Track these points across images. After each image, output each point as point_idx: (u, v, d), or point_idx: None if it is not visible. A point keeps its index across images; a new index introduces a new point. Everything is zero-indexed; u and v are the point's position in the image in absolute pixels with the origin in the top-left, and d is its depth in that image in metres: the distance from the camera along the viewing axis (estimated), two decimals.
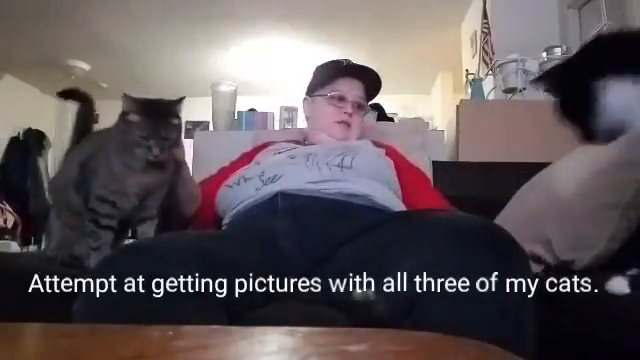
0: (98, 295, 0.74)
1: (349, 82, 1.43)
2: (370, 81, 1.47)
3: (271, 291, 0.89)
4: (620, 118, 0.78)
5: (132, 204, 1.11)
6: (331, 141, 1.38)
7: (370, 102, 2.51)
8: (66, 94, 1.24)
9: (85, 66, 5.17)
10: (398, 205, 1.16)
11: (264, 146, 1.46)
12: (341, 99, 1.42)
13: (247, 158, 1.42)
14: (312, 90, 1.50)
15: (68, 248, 1.14)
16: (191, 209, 1.26)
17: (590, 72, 0.78)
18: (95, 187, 1.09)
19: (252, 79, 5.42)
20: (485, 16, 3.23)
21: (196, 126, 4.46)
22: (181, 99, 1.12)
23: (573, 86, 0.80)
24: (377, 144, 1.40)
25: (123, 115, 1.07)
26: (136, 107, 1.06)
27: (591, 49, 0.77)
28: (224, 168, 1.45)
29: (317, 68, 1.53)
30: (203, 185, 1.34)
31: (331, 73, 1.46)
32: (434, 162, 1.73)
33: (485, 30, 3.20)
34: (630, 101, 0.75)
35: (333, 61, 1.51)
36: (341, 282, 0.85)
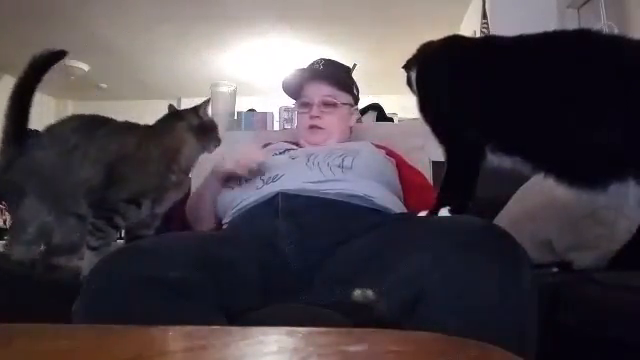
0: (98, 295, 0.74)
1: (312, 86, 1.43)
2: (334, 76, 1.46)
3: (271, 292, 0.89)
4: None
5: (151, 213, 1.14)
6: (313, 147, 1.37)
7: (370, 103, 2.53)
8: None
9: (85, 66, 5.16)
10: (398, 206, 1.16)
11: (263, 147, 1.46)
12: (307, 105, 1.42)
13: None
14: (294, 100, 1.52)
15: (47, 239, 1.13)
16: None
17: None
18: (127, 191, 1.09)
19: (252, 79, 5.42)
20: (484, 16, 3.23)
21: None
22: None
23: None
24: (377, 146, 1.40)
25: (201, 121, 1.19)
26: (204, 107, 1.20)
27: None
28: None
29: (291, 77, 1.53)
30: None
31: (296, 84, 1.47)
32: (434, 162, 1.73)
33: (484, 30, 3.20)
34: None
35: (304, 67, 1.50)
36: (341, 283, 0.85)
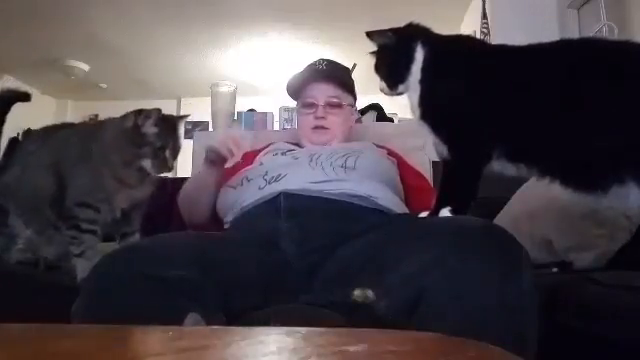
0: (98, 295, 0.74)
1: (317, 86, 1.42)
2: (339, 77, 1.46)
3: (271, 292, 0.89)
4: None
5: (114, 216, 1.10)
6: (316, 147, 1.36)
7: (370, 103, 2.53)
8: None
9: (85, 67, 5.16)
10: (400, 207, 1.16)
11: (266, 147, 1.46)
12: (311, 105, 1.41)
13: (250, 157, 1.41)
14: (295, 100, 1.51)
15: (35, 252, 1.12)
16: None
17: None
18: (76, 194, 1.07)
19: (252, 79, 5.41)
20: (484, 16, 3.23)
21: (195, 126, 4.45)
22: (185, 116, 1.17)
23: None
24: (378, 146, 1.40)
25: (135, 127, 1.07)
26: (153, 119, 1.07)
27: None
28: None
29: (293, 77, 1.51)
30: None
31: (299, 83, 1.45)
32: (434, 162, 1.73)
33: (484, 30, 3.20)
34: None
35: (306, 67, 1.49)
36: (341, 283, 0.85)
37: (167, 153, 1.08)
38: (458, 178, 0.91)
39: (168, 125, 1.10)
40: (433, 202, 0.94)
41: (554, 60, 0.86)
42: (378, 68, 1.03)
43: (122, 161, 1.07)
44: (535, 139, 0.85)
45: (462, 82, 0.91)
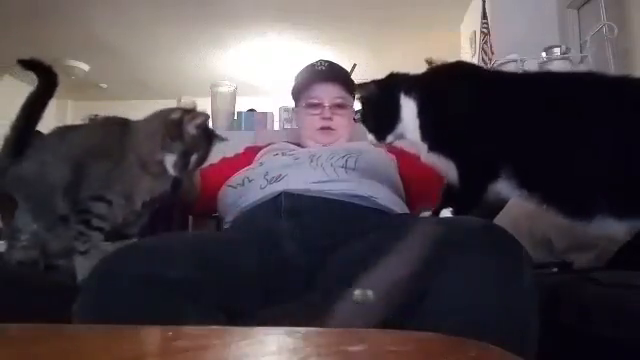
0: (98, 295, 0.74)
1: (323, 86, 1.42)
2: (342, 78, 1.46)
3: (272, 292, 0.89)
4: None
5: (132, 210, 1.10)
6: (316, 148, 1.36)
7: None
8: (28, 64, 1.21)
9: (85, 66, 5.17)
10: (401, 206, 1.17)
11: (266, 146, 1.46)
12: (317, 106, 1.41)
13: (251, 154, 1.41)
14: (295, 100, 1.51)
15: (41, 247, 1.12)
16: (192, 197, 1.30)
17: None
18: (92, 187, 1.07)
19: (252, 79, 5.42)
20: (484, 16, 3.24)
21: None
22: (221, 139, 1.16)
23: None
24: (377, 145, 1.40)
25: (179, 121, 1.07)
26: (198, 122, 1.07)
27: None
28: (226, 158, 1.44)
29: (295, 77, 1.52)
30: (203, 171, 1.34)
31: (304, 82, 1.45)
32: None
33: (484, 30, 3.20)
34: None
35: (306, 68, 1.49)
36: (341, 283, 0.85)
37: (192, 158, 1.08)
38: (463, 194, 0.91)
39: (207, 135, 1.10)
40: (434, 191, 0.94)
41: (552, 92, 0.86)
42: (365, 120, 1.03)
43: (150, 149, 1.07)
44: (535, 167, 0.85)
45: (464, 111, 0.90)
